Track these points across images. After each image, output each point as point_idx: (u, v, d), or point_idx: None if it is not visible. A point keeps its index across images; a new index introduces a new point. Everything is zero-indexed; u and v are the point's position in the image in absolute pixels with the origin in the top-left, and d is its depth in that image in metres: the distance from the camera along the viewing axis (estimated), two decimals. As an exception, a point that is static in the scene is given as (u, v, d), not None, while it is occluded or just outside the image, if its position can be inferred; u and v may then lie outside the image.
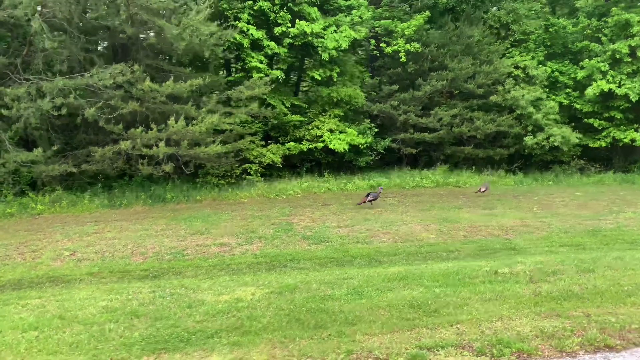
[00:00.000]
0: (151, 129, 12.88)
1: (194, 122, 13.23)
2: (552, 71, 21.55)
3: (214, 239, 10.09)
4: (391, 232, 10.89)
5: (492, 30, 22.33)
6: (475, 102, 20.41)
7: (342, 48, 17.56)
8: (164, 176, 14.97)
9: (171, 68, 14.31)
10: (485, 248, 9.74)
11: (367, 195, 13.98)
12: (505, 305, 5.94)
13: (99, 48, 14.03)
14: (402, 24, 19.71)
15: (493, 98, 20.13)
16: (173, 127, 12.73)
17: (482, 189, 16.30)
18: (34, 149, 11.97)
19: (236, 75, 16.52)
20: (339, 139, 18.04)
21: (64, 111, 11.89)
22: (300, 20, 16.76)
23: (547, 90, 21.58)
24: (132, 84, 12.97)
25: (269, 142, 17.87)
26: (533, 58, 21.58)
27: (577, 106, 21.61)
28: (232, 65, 16.73)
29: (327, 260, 8.82)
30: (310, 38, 16.90)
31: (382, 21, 19.81)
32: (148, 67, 14.38)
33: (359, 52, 21.19)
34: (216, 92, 15.75)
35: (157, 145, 12.54)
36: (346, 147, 17.88)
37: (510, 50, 22.20)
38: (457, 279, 7.16)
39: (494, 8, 22.51)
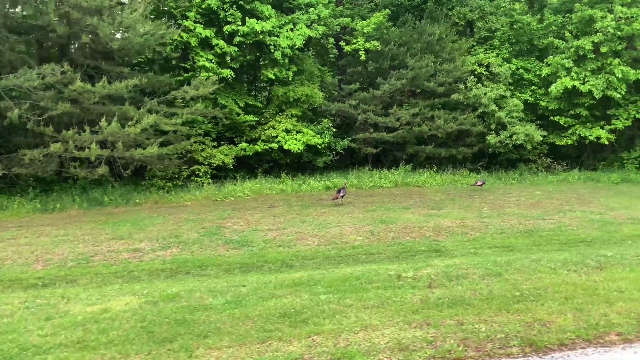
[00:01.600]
0: (84, 131, 12.52)
1: (129, 123, 12.86)
2: (517, 68, 21.26)
3: (131, 244, 9.74)
4: (320, 234, 10.56)
5: (457, 28, 22.05)
6: (437, 100, 20.10)
7: (297, 46, 17.24)
8: (107, 179, 14.66)
9: (111, 68, 13.93)
10: (408, 250, 9.42)
11: (339, 191, 14.43)
12: (382, 314, 5.61)
13: (33, 48, 13.59)
14: (361, 22, 19.39)
15: (455, 96, 19.83)
16: (106, 128, 12.36)
17: (479, 183, 16.76)
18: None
19: (185, 74, 16.15)
20: (295, 139, 17.71)
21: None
22: (250, 19, 16.42)
23: (513, 87, 21.31)
24: (66, 84, 12.60)
25: (222, 142, 17.51)
26: (498, 55, 21.29)
27: (543, 104, 21.34)
28: (182, 64, 16.34)
29: (237, 266, 8.48)
30: (261, 36, 16.55)
31: (340, 19, 19.48)
32: (88, 67, 14.05)
33: (322, 50, 20.82)
34: (163, 92, 15.37)
35: (89, 148, 12.16)
36: (302, 147, 17.55)
37: (476, 47, 21.90)
38: (354, 284, 6.82)
39: (467, 8, 22.08)
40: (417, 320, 5.38)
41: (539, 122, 21.52)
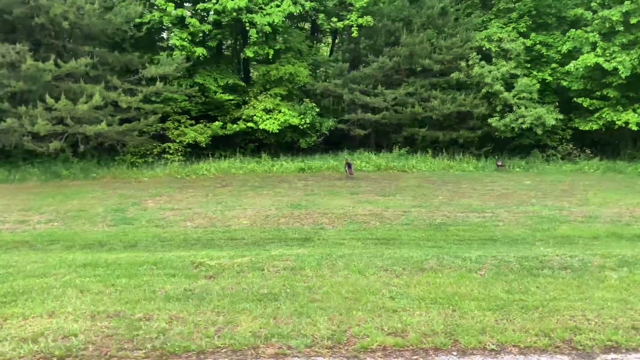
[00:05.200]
0: (37, 107, 13.25)
1: (81, 100, 13.37)
2: (535, 44, 19.02)
3: (29, 215, 10.21)
4: (214, 216, 10.35)
5: (473, 0, 20.20)
6: (436, 80, 18.63)
7: (275, 23, 16.76)
8: (86, 153, 15.48)
9: (75, 47, 14.53)
10: (276, 237, 8.92)
11: (349, 167, 15.28)
12: (99, 302, 5.31)
13: None
14: (355, -5, 18.37)
15: (454, 75, 18.24)
16: (54, 105, 12.98)
17: (499, 164, 17.36)
18: None
19: (162, 53, 16.40)
20: (275, 118, 17.39)
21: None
22: (223, -5, 16.21)
23: (529, 65, 19.17)
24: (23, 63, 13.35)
25: (200, 121, 17.64)
26: (514, 29, 19.17)
27: (564, 83, 18.97)
28: (160, 43, 16.64)
29: (87, 242, 8.52)
30: (235, 14, 16.31)
31: (334, -7, 18.61)
32: (57, 47, 14.74)
33: (313, 27, 20.10)
34: (135, 70, 15.79)
35: (33, 123, 12.86)
36: (278, 127, 17.20)
37: (493, 21, 19.88)
38: (139, 269, 6.53)
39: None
40: (111, 312, 5.04)
41: (561, 104, 19.21)
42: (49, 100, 12.96)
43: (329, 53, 19.61)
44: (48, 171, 14.54)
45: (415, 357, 4.24)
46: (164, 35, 17.31)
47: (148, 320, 4.84)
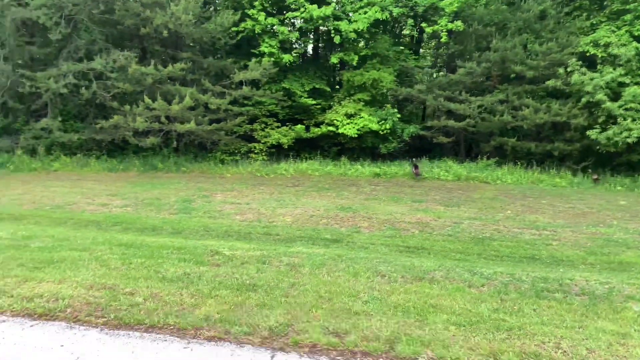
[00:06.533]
0: (138, 107, 15.09)
1: (174, 101, 14.94)
2: (650, 48, 16.88)
3: (112, 200, 11.74)
4: (265, 212, 10.97)
5: (580, 2, 18.56)
6: (530, 87, 17.44)
7: (360, 30, 17.06)
8: (177, 148, 17.24)
9: (176, 54, 16.23)
10: (309, 236, 9.24)
11: (416, 168, 16.13)
12: (109, 276, 6.14)
13: (111, 37, 16.44)
14: (444, 1, 17.95)
15: (550, 82, 16.91)
16: (151, 105, 14.68)
17: (594, 177, 16.77)
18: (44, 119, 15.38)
19: (255, 60, 17.58)
20: (354, 123, 17.69)
21: (64, 90, 14.90)
22: (311, 5, 16.91)
23: (644, 72, 17.07)
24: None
25: (287, 124, 18.52)
26: (627, 32, 17.21)
27: (687, 94, 16.56)
28: (253, 50, 17.83)
29: (144, 227, 9.60)
30: (321, 21, 16.93)
31: (424, -1, 18.34)
32: (162, 53, 16.59)
33: (402, 32, 19.95)
34: (228, 75, 17.17)
35: (135, 120, 14.66)
36: (357, 132, 17.45)
37: (604, 25, 18.05)
38: (164, 252, 7.31)
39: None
40: (108, 285, 5.77)
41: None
42: (147, 100, 14.70)
43: (417, 59, 19.31)
44: (147, 163, 16.44)
45: (339, 357, 4.31)
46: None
47: (131, 295, 5.49)
